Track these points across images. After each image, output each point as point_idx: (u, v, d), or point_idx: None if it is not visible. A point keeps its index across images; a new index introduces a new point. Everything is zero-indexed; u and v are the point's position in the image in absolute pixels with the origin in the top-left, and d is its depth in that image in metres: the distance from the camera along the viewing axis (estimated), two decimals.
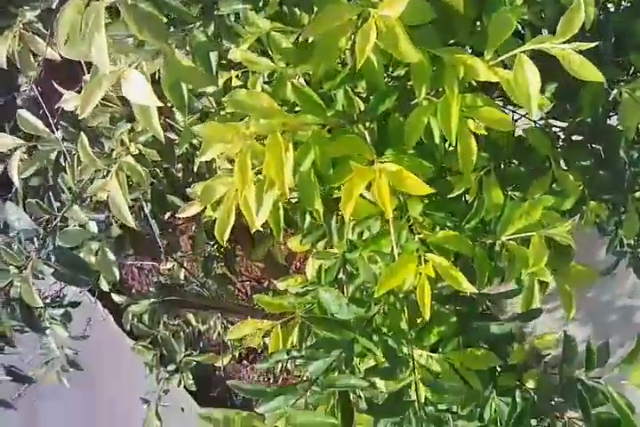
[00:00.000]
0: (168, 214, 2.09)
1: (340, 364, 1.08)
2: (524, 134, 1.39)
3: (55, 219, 1.35)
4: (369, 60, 1.06)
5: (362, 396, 1.17)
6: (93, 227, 1.50)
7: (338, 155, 1.07)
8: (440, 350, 1.18)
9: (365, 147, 1.07)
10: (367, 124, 1.19)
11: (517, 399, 1.18)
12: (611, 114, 1.42)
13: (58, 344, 2.38)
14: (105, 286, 2.25)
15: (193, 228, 2.20)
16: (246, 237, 2.26)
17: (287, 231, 2.26)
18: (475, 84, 1.16)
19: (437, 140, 1.15)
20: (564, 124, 1.52)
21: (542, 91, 1.10)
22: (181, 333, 2.27)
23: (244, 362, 3.26)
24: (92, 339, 3.27)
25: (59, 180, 1.33)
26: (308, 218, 1.43)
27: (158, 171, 1.53)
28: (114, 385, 3.37)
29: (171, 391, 2.34)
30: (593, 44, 0.98)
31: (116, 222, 1.50)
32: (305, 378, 1.08)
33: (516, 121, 1.61)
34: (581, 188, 1.40)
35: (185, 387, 2.25)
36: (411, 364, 1.14)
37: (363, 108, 1.19)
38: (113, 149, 1.27)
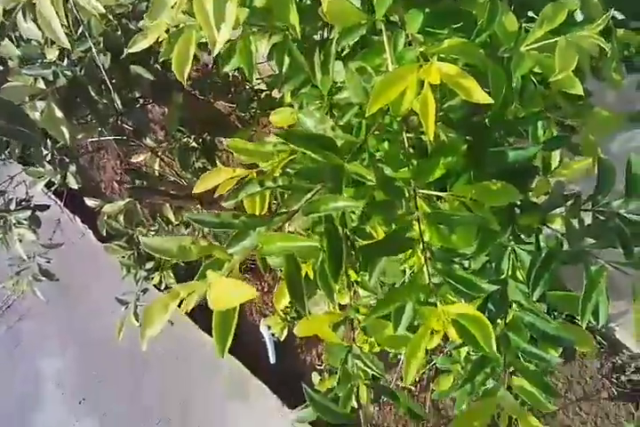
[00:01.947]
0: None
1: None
2: None
3: None
4: None
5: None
6: (40, 83, 1.30)
7: None
8: (448, 187, 0.98)
9: None
10: None
11: (541, 243, 0.99)
12: None
13: (28, 253, 2.21)
14: (73, 184, 2.06)
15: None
16: (226, 125, 2.06)
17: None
18: None
19: None
20: None
21: None
22: (161, 233, 2.08)
23: None
24: (69, 251, 3.13)
25: None
26: (287, 60, 1.22)
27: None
28: (95, 297, 3.23)
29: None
30: None
31: (65, 76, 1.29)
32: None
33: None
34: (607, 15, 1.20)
35: (166, 288, 2.07)
36: (411, 199, 0.94)
37: None
38: None
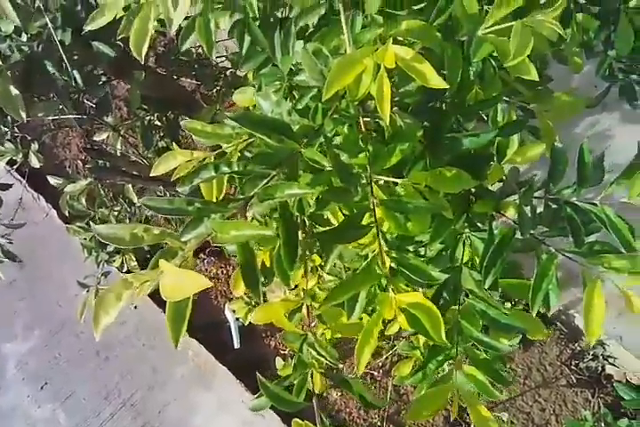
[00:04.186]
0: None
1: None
2: None
3: None
4: None
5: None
6: None
7: None
8: (405, 174, 0.97)
9: None
10: None
11: (494, 230, 0.99)
12: None
13: None
14: (35, 163, 2.03)
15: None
16: (191, 103, 2.03)
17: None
18: None
19: None
20: None
21: None
22: (126, 217, 2.06)
23: (201, 255, 3.07)
24: (33, 231, 3.08)
25: None
26: (247, 39, 1.20)
27: None
28: (59, 279, 3.19)
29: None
30: None
31: (19, 51, 1.26)
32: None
33: None
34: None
35: (128, 271, 2.05)
36: (368, 185, 0.93)
37: None
38: None
